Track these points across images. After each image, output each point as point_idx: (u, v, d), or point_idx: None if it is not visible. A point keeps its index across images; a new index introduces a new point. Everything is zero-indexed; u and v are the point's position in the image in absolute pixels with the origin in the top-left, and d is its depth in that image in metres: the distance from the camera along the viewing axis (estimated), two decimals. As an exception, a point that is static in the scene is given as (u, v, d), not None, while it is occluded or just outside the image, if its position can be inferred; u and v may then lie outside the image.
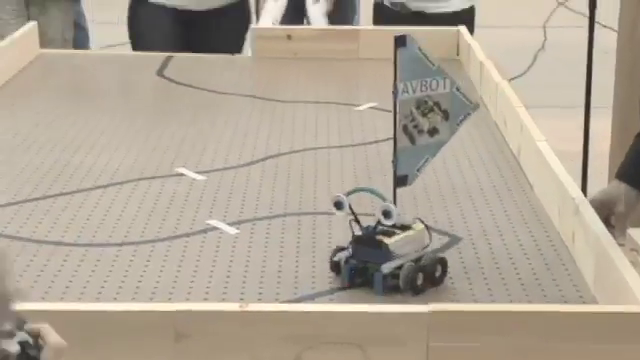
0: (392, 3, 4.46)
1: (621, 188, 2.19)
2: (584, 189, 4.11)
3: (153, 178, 2.63)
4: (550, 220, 2.36)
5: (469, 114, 2.09)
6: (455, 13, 4.39)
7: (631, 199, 2.18)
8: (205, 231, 2.31)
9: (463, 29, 3.88)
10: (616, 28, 4.18)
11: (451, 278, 2.08)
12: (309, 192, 2.54)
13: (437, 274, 2.01)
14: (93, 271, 2.10)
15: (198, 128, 3.06)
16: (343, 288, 2.00)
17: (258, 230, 2.32)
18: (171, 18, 4.45)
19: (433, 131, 2.05)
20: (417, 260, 1.99)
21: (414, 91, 2.02)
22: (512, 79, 3.95)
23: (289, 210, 2.42)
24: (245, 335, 1.78)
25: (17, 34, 3.74)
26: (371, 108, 3.25)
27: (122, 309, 1.82)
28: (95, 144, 2.89)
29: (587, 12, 4.47)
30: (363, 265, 1.99)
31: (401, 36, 1.99)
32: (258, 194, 2.54)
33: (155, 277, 2.07)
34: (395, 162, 2.03)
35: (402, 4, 4.44)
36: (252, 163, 2.76)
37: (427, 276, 1.99)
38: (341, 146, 2.87)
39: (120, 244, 2.24)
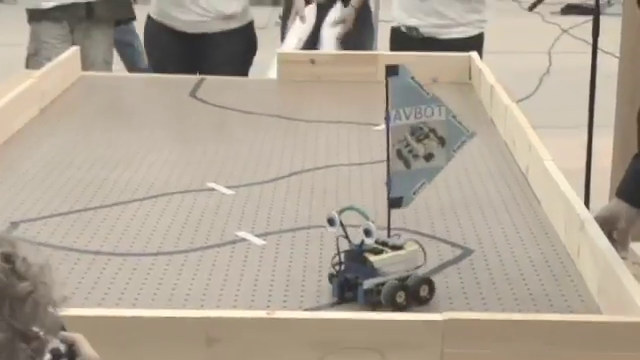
0: (407, 28, 4.46)
1: (622, 206, 2.17)
2: (587, 204, 4.09)
3: (186, 192, 2.62)
4: (557, 234, 2.35)
5: (465, 141, 2.06)
6: (466, 39, 4.38)
7: (631, 216, 2.17)
8: (234, 242, 2.30)
9: (474, 54, 3.87)
10: (617, 54, 4.17)
11: (463, 288, 2.07)
12: (331, 206, 2.51)
13: (423, 293, 1.97)
14: (130, 279, 2.10)
15: (227, 146, 3.06)
16: (334, 303, 1.97)
17: (284, 241, 2.31)
18: (176, 40, 4.49)
19: (429, 156, 2.03)
20: (403, 279, 1.96)
21: (407, 118, 1.99)
22: (520, 101, 3.94)
23: (313, 223, 2.41)
24: (271, 340, 1.77)
25: (61, 57, 3.76)
26: (389, 128, 3.23)
27: (157, 315, 1.82)
28: (132, 160, 2.89)
29: (590, 39, 4.46)
30: (354, 280, 1.96)
31: (392, 66, 1.97)
32: (283, 208, 2.53)
33: (188, 285, 2.06)
34: (389, 184, 2.01)
35: (416, 29, 4.43)
36: (278, 179, 2.75)
37: (410, 294, 1.95)
38: (361, 163, 2.86)
39: (155, 254, 2.23)
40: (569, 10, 9.97)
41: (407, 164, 2.01)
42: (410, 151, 2.01)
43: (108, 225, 2.40)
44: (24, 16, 4.68)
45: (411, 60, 3.90)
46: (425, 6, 4.41)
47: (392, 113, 1.97)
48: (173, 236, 2.34)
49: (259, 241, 2.30)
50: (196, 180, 2.72)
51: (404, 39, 4.44)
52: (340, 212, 1.98)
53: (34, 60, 4.58)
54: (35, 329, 1.21)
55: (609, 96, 4.17)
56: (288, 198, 2.60)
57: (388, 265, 1.95)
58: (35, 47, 4.69)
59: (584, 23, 7.34)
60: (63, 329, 1.31)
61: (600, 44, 4.41)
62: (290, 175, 2.78)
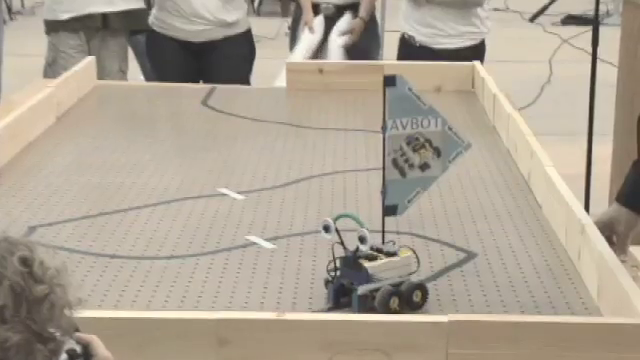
0: (408, 36, 4.46)
1: (621, 211, 2.16)
2: (587, 209, 4.08)
3: (198, 197, 2.62)
4: (558, 238, 2.34)
5: (461, 152, 2.04)
6: (457, 50, 4.37)
7: (631, 221, 2.16)
8: (244, 246, 2.30)
9: (478, 64, 3.86)
10: (616, 63, 4.16)
11: (468, 290, 2.07)
12: (339, 210, 2.51)
13: (416, 299, 1.95)
14: (144, 282, 2.09)
15: (238, 152, 3.06)
16: (329, 308, 1.96)
17: (292, 245, 2.31)
18: (179, 49, 4.53)
19: (424, 166, 2.00)
20: (397, 285, 1.94)
21: (404, 127, 1.97)
22: (521, 109, 3.93)
23: (321, 227, 2.40)
24: (281, 341, 1.77)
25: (77, 67, 3.76)
26: (394, 135, 3.23)
27: (170, 317, 1.82)
28: (146, 167, 2.89)
29: (589, 49, 4.46)
30: (349, 285, 1.94)
31: (391, 76, 1.95)
32: (292, 212, 2.53)
33: (199, 287, 2.06)
34: (384, 193, 1.99)
35: (413, 38, 4.43)
36: (287, 184, 2.75)
37: (404, 300, 1.93)
38: (368, 169, 2.86)
39: (168, 257, 2.23)
40: (569, 20, 9.96)
41: (402, 173, 1.99)
42: (406, 160, 1.98)
43: (123, 229, 2.40)
44: (41, 27, 4.69)
45: (415, 69, 3.92)
46: (418, 15, 4.43)
47: (389, 123, 1.95)
48: (185, 240, 2.33)
49: (269, 245, 2.30)
50: (208, 186, 2.72)
51: (407, 47, 4.46)
52: (335, 219, 1.97)
53: (52, 70, 4.59)
54: (52, 330, 1.21)
55: (608, 104, 4.16)
56: (297, 203, 2.60)
57: (382, 271, 1.93)
58: (53, 57, 4.70)
59: (584, 33, 7.33)
60: (77, 330, 1.31)
61: (599, 53, 4.40)
62: (299, 181, 2.78)
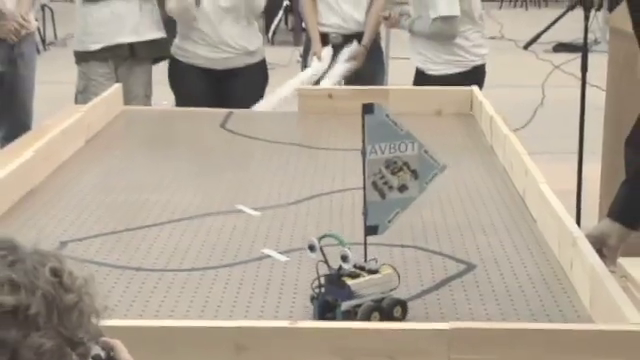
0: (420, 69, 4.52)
1: (613, 226, 2.16)
2: (578, 223, 4.06)
3: (217, 214, 2.62)
4: (551, 250, 2.33)
5: (437, 174, 2.01)
6: (443, 76, 4.40)
7: (622, 235, 2.15)
8: (260, 259, 2.29)
9: (476, 89, 3.86)
10: (604, 87, 4.15)
11: (468, 299, 2.05)
12: (348, 225, 2.52)
13: (396, 314, 1.92)
14: (167, 292, 2.09)
15: (254, 171, 3.06)
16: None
17: (305, 258, 2.29)
18: (201, 76, 4.57)
19: (402, 188, 1.97)
20: (379, 300, 1.91)
21: (382, 152, 1.94)
22: (516, 130, 3.91)
23: (331, 241, 2.39)
24: (294, 347, 1.76)
25: (105, 94, 3.77)
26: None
27: (192, 325, 1.81)
28: (168, 185, 2.89)
29: (579, 74, 4.45)
30: (334, 302, 1.91)
31: (369, 104, 1.92)
32: (305, 227, 2.52)
33: (219, 297, 2.05)
34: (365, 214, 1.96)
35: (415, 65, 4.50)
36: (299, 201, 2.74)
37: (384, 315, 1.90)
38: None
39: (189, 269, 2.22)
40: (560, 48, 9.97)
41: (382, 195, 1.95)
42: (385, 183, 1.95)
43: (147, 244, 2.39)
44: (72, 57, 4.71)
45: (417, 93, 3.92)
46: (412, 43, 4.51)
47: (368, 148, 1.93)
48: (205, 253, 2.33)
49: (283, 258, 2.29)
50: (226, 203, 2.71)
51: (422, 78, 4.51)
52: (320, 238, 1.94)
53: (82, 97, 4.62)
54: (80, 336, 1.21)
55: (597, 125, 4.16)
56: (309, 219, 2.59)
57: (364, 288, 1.90)
58: (84, 85, 4.73)
59: (573, 60, 7.31)
60: (102, 336, 1.31)
61: (588, 79, 4.40)
62: (310, 198, 2.77)
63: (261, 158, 3.23)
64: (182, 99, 4.66)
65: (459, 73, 4.41)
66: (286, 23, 11.85)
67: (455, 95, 3.85)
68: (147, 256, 2.31)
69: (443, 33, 4.41)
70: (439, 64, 4.45)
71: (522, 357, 1.75)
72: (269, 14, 10.54)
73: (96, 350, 1.29)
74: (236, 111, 3.88)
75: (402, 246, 2.34)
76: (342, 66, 4.59)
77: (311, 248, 1.94)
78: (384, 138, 1.94)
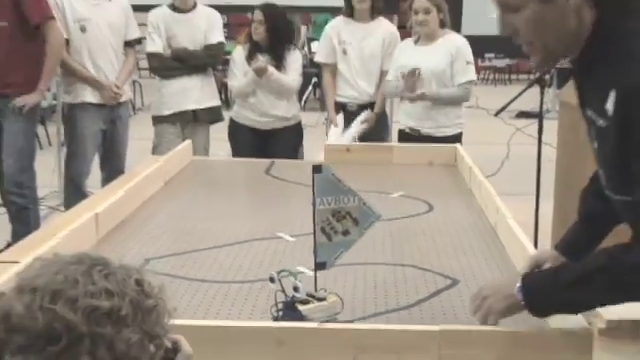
0: (410, 129, 4.44)
1: (552, 253, 2.06)
2: (535, 247, 4.02)
3: (261, 239, 2.61)
4: (515, 268, 2.28)
5: (373, 222, 1.95)
6: (451, 136, 4.37)
7: (556, 261, 2.07)
8: (296, 275, 2.27)
9: (459, 146, 3.85)
10: (555, 145, 4.13)
11: (453, 307, 2.02)
12: (359, 250, 2.49)
13: None
14: (224, 299, 2.08)
15: (291, 208, 3.04)
16: None
17: (330, 274, 2.27)
18: (250, 134, 4.66)
19: (345, 232, 1.91)
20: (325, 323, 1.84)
21: (329, 204, 1.88)
22: (488, 177, 3.89)
23: (353, 261, 2.37)
24: (321, 344, 1.74)
25: (179, 147, 3.78)
26: (401, 196, 3.22)
27: (243, 325, 1.80)
28: (225, 217, 2.88)
29: (536, 135, 4.43)
30: None
31: (317, 165, 1.86)
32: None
33: (263, 304, 2.03)
34: (315, 252, 1.90)
35: (417, 130, 4.42)
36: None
37: None
38: (380, 220, 2.82)
39: (241, 282, 2.21)
40: (521, 115, 9.94)
41: (329, 238, 1.90)
42: (332, 228, 1.90)
43: (209, 262, 2.38)
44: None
45: (415, 149, 3.91)
46: (423, 113, 4.39)
47: (317, 200, 1.87)
48: (253, 270, 2.31)
49: (310, 273, 2.26)
50: (269, 231, 2.70)
51: (407, 136, 4.41)
52: (279, 273, 1.89)
53: (157, 150, 4.67)
54: (157, 331, 1.20)
55: (550, 174, 4.13)
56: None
57: (313, 312, 1.84)
58: (158, 141, 4.79)
59: (532, 124, 7.31)
60: (171, 332, 1.30)
61: (543, 139, 4.38)
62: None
63: (296, 197, 3.22)
64: (236, 151, 4.71)
65: (458, 134, 4.38)
66: (314, 94, 11.92)
67: (443, 150, 3.84)
68: (209, 271, 2.30)
69: (467, 95, 4.35)
70: (450, 127, 4.37)
71: (495, 353, 1.72)
72: (302, 88, 10.57)
73: (166, 343, 1.28)
74: (277, 161, 3.88)
75: (402, 265, 2.32)
76: (358, 127, 4.59)
77: (271, 280, 1.88)
78: (330, 192, 1.88)
